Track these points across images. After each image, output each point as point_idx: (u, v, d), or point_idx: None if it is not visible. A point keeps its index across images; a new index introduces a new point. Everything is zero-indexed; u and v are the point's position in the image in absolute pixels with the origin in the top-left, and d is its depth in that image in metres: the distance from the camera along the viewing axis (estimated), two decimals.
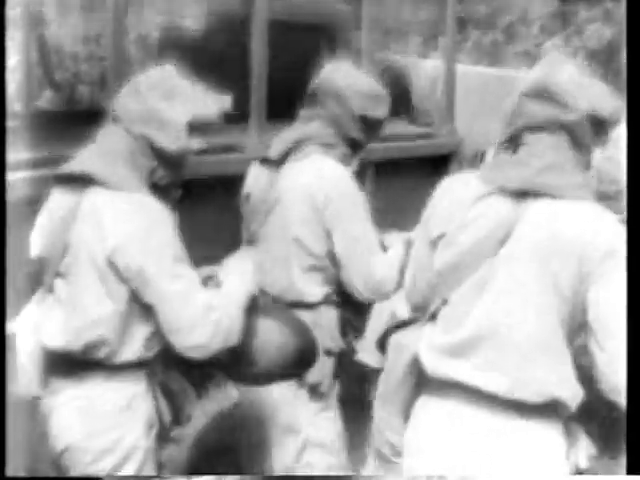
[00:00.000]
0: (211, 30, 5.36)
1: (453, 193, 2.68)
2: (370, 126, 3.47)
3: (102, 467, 2.85)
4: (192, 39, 5.69)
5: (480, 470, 2.57)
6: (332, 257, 3.35)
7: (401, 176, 4.93)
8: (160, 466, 3.04)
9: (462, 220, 2.62)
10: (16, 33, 5.32)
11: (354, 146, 3.46)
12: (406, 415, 2.74)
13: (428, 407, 2.67)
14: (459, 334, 2.58)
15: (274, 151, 3.43)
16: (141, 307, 2.81)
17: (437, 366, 2.61)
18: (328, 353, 3.40)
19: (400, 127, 5.47)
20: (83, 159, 2.86)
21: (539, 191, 2.56)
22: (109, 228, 2.75)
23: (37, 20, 5.99)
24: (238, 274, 3.01)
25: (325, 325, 3.38)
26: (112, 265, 2.76)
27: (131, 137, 2.86)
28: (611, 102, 2.69)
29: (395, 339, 2.78)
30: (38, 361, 2.88)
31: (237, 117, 4.72)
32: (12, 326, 2.89)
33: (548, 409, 2.55)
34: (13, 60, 5.36)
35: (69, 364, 2.86)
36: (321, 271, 3.37)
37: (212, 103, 2.93)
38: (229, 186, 3.88)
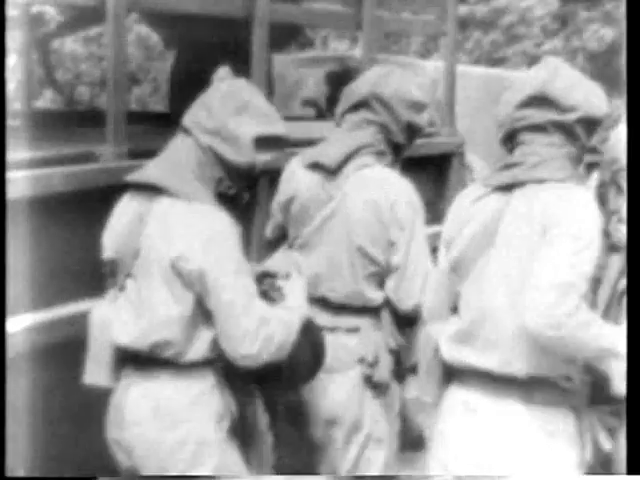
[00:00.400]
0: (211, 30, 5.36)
1: (461, 207, 2.90)
2: (413, 132, 3.56)
3: (175, 461, 2.94)
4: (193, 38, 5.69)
5: (492, 458, 2.75)
6: (391, 264, 3.42)
7: (402, 176, 4.93)
8: (247, 460, 3.13)
9: (463, 220, 2.85)
10: (16, 33, 5.33)
11: (397, 152, 3.56)
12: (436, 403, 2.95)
13: (447, 395, 2.88)
14: (463, 322, 2.81)
15: (326, 158, 3.45)
16: (206, 312, 2.91)
17: (449, 353, 2.84)
18: (390, 352, 3.50)
19: None
20: (154, 169, 2.99)
21: (526, 181, 2.76)
22: (175, 236, 2.87)
23: (37, 20, 5.99)
24: (298, 292, 3.11)
25: (386, 326, 3.48)
26: (177, 271, 2.87)
27: (200, 149, 2.96)
28: (604, 103, 2.88)
29: (424, 331, 2.99)
30: (110, 355, 3.00)
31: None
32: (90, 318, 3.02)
33: (554, 393, 2.73)
34: (13, 60, 5.37)
35: (139, 361, 2.97)
36: (381, 276, 3.44)
37: (279, 120, 3.04)
38: None
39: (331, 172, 3.45)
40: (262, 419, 4.17)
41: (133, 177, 3.01)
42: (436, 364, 2.91)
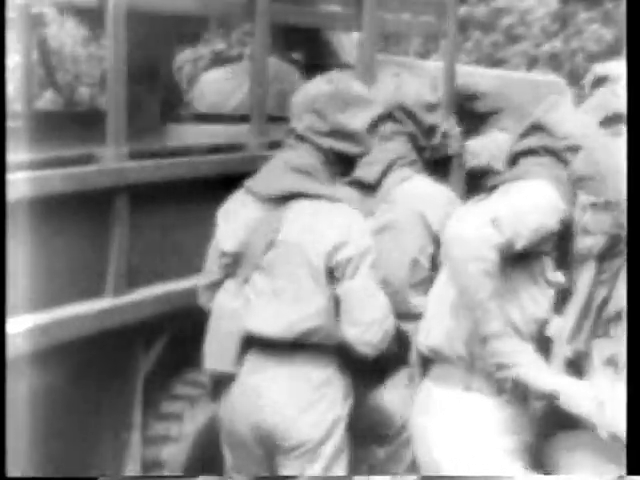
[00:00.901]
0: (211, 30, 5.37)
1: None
2: (434, 133, 3.68)
3: (312, 438, 3.16)
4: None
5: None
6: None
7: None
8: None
9: None
10: (16, 33, 5.32)
11: (421, 155, 3.69)
12: None
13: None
14: None
15: (364, 173, 3.53)
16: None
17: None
18: None
19: None
20: (280, 178, 3.21)
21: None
22: (324, 235, 3.12)
23: (38, 21, 5.98)
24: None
25: None
26: (326, 265, 3.12)
27: (321, 151, 3.22)
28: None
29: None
30: (236, 342, 3.19)
31: (238, 116, 4.72)
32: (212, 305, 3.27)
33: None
34: (13, 60, 5.37)
35: (272, 347, 3.17)
36: (426, 284, 3.45)
37: (375, 100, 3.31)
38: (230, 185, 3.88)
39: (370, 188, 3.55)
40: None
41: (262, 188, 3.23)
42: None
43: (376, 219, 3.51)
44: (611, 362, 2.85)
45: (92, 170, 3.33)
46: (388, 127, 3.59)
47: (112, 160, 3.37)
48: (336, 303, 3.15)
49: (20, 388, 3.21)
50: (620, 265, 2.90)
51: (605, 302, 2.93)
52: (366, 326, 3.11)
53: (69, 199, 3.24)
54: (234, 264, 3.25)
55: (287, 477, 3.43)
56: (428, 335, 3.06)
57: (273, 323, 3.15)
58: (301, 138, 3.23)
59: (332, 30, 5.66)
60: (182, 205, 3.68)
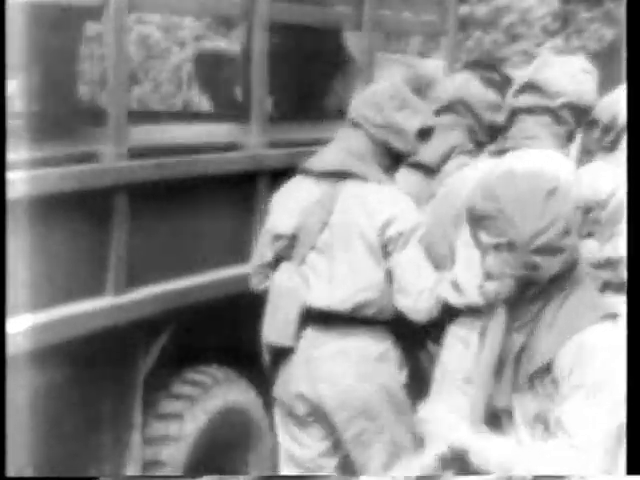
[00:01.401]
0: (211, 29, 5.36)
1: None
2: (494, 131, 3.89)
3: (369, 407, 3.43)
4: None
5: None
6: None
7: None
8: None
9: None
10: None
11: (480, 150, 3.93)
12: None
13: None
14: None
15: (427, 157, 3.80)
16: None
17: None
18: None
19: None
20: (334, 157, 3.52)
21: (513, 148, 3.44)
22: (377, 210, 3.42)
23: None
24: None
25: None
26: (380, 238, 3.40)
27: (372, 141, 3.49)
28: (592, 92, 3.53)
29: None
30: (295, 318, 3.46)
31: (238, 116, 4.71)
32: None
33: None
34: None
35: (331, 322, 3.44)
36: None
37: (430, 113, 3.64)
38: (229, 185, 3.88)
39: (431, 171, 3.85)
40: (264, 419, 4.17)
41: (316, 164, 3.53)
42: None
43: (434, 199, 3.73)
44: (539, 419, 2.53)
45: (92, 169, 3.33)
46: (449, 118, 3.90)
47: (112, 159, 3.36)
48: (390, 277, 3.42)
49: (20, 387, 3.20)
50: (539, 310, 2.55)
51: (523, 352, 2.56)
52: (417, 295, 3.39)
53: (69, 198, 3.24)
54: (289, 246, 3.52)
55: (288, 477, 3.43)
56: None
57: (331, 297, 3.42)
58: (357, 126, 3.51)
59: (332, 30, 5.65)
60: (182, 204, 3.68)
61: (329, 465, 3.58)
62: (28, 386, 3.25)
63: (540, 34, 13.04)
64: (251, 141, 3.95)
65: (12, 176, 3.01)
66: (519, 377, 2.57)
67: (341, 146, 3.53)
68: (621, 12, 11.92)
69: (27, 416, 3.28)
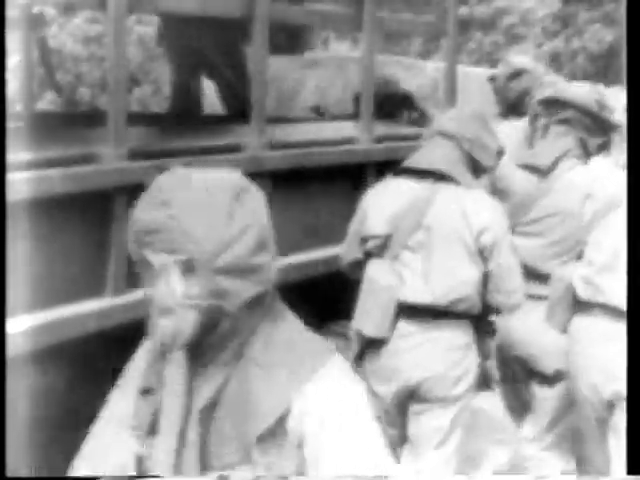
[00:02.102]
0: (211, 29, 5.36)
1: None
2: (611, 130, 4.41)
3: (456, 390, 3.77)
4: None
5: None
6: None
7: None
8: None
9: None
10: (17, 33, 5.32)
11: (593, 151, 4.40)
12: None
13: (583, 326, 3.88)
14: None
15: (539, 160, 4.29)
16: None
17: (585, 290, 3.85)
18: None
19: (402, 128, 5.47)
20: (431, 159, 3.82)
21: None
22: (473, 217, 3.72)
23: (38, 21, 5.98)
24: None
25: None
26: (477, 241, 3.72)
27: (461, 151, 3.84)
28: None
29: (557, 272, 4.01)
30: (390, 312, 3.75)
31: (237, 117, 4.72)
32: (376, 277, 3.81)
33: None
34: (14, 60, 5.36)
35: (422, 315, 3.74)
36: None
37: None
38: None
39: (544, 172, 4.25)
40: None
41: (414, 164, 3.85)
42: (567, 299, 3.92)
43: (549, 200, 4.22)
44: None
45: (92, 170, 3.33)
46: (565, 127, 4.32)
47: (112, 160, 3.37)
48: (484, 277, 3.76)
49: (20, 388, 3.21)
50: (235, 352, 1.96)
51: (216, 408, 1.97)
52: (512, 293, 3.78)
53: (69, 199, 3.24)
54: (382, 245, 3.79)
55: (290, 477, 3.42)
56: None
57: (427, 293, 3.72)
58: (448, 137, 3.85)
59: (332, 30, 5.65)
60: None
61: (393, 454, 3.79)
62: (28, 386, 3.26)
63: (540, 35, 13.05)
64: (253, 142, 3.95)
65: (12, 177, 3.01)
66: (213, 446, 1.96)
67: (435, 151, 3.86)
68: (621, 13, 11.93)
69: (27, 416, 3.28)
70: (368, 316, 3.78)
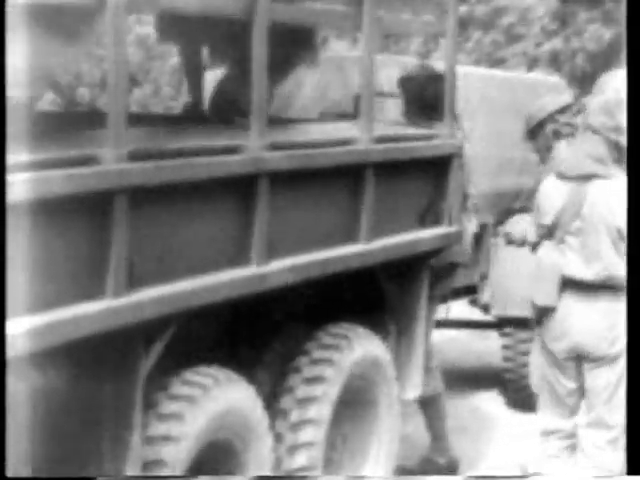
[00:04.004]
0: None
1: None
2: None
3: (614, 350, 4.82)
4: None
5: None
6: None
7: (401, 177, 4.94)
8: None
9: None
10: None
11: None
12: None
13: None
14: None
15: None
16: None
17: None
18: None
19: (400, 128, 5.47)
20: (580, 162, 4.87)
21: None
22: (616, 209, 4.73)
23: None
24: None
25: None
26: (619, 234, 4.73)
27: (607, 143, 4.77)
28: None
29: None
30: (556, 284, 4.84)
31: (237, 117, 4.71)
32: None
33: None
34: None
35: (583, 288, 4.83)
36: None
37: None
38: (230, 186, 3.88)
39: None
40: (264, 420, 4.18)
41: (569, 171, 4.91)
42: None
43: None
44: None
45: (92, 171, 3.33)
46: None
47: (112, 161, 3.36)
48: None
49: (20, 388, 3.21)
50: None
51: None
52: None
53: (69, 200, 3.24)
54: (551, 230, 4.90)
55: (287, 477, 3.43)
56: None
57: (585, 270, 4.81)
58: (595, 131, 4.77)
59: (332, 29, 5.65)
60: (182, 206, 3.68)
61: (576, 404, 5.01)
62: (28, 387, 3.26)
63: (539, 34, 13.05)
64: (252, 142, 3.95)
65: (12, 178, 3.01)
66: None
67: (584, 150, 4.85)
68: (620, 12, 11.93)
69: (27, 417, 3.28)
70: (540, 289, 4.90)
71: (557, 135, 5.83)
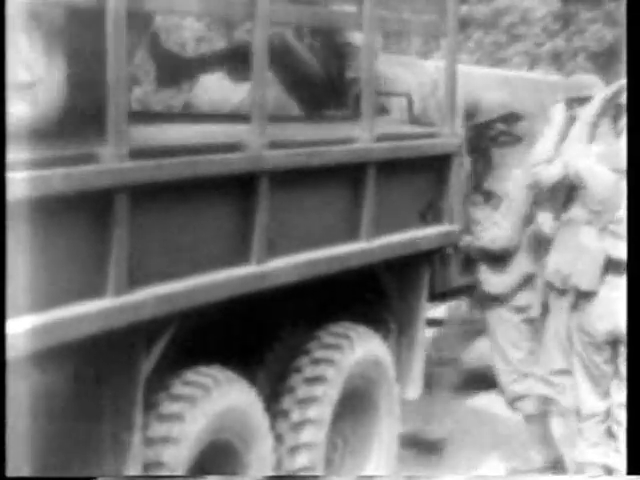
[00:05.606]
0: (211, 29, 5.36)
1: None
2: None
3: None
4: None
5: None
6: None
7: (402, 176, 4.93)
8: None
9: None
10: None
11: None
12: None
13: None
14: None
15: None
16: None
17: None
18: None
19: (401, 127, 5.47)
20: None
21: None
22: None
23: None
24: None
25: None
26: None
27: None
28: None
29: None
30: (599, 269, 5.10)
31: (238, 116, 4.71)
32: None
33: None
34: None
35: (624, 272, 4.89)
36: None
37: None
38: (230, 185, 3.88)
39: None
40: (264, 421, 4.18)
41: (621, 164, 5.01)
42: None
43: None
44: None
45: (92, 170, 3.33)
46: None
47: (112, 160, 3.36)
48: None
49: (20, 388, 3.20)
50: None
51: None
52: None
53: (69, 199, 3.24)
54: (594, 219, 5.12)
55: (287, 477, 3.43)
56: None
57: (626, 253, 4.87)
58: None
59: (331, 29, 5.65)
60: (182, 205, 3.68)
61: (610, 386, 5.12)
62: (28, 387, 3.25)
63: (541, 34, 13.04)
64: (251, 142, 3.94)
65: (12, 177, 3.01)
66: None
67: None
68: (621, 13, 11.92)
69: (27, 417, 3.28)
70: (583, 273, 5.12)
71: (494, 142, 5.95)
